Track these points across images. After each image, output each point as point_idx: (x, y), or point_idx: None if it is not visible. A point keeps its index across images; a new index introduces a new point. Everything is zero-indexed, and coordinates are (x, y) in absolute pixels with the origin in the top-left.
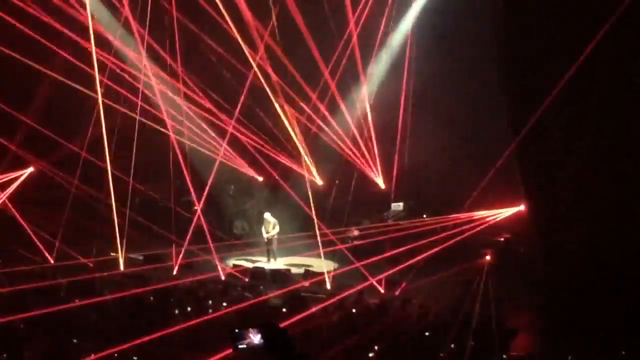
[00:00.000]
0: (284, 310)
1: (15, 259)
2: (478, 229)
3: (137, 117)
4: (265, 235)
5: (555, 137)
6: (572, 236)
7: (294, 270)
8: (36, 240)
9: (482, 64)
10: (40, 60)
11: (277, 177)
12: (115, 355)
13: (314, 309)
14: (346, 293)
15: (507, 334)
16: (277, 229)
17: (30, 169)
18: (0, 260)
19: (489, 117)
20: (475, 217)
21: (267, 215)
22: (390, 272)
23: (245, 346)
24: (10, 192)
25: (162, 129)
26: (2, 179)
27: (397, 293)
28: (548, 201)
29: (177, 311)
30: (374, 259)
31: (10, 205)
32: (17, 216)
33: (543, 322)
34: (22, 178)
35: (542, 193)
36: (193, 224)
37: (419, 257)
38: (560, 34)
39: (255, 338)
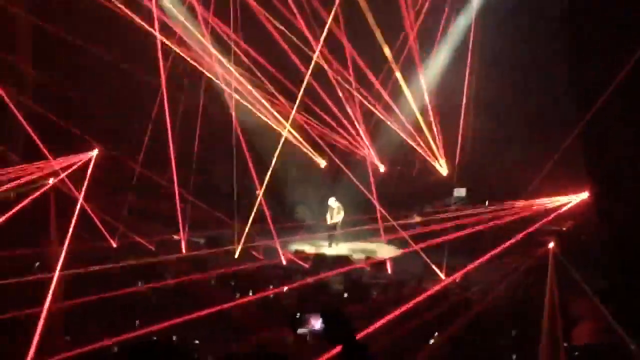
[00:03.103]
0: (345, 295)
1: (78, 242)
2: (546, 219)
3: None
4: (329, 221)
5: (621, 121)
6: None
7: (355, 256)
8: (99, 224)
9: (548, 47)
10: (106, 45)
11: (339, 162)
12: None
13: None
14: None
15: (570, 322)
16: (342, 214)
17: (96, 152)
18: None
19: (554, 101)
20: (538, 205)
21: (332, 201)
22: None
23: (306, 331)
24: (70, 172)
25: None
26: (68, 161)
27: (457, 280)
28: (613, 188)
29: (237, 295)
30: (434, 244)
31: (73, 187)
32: (80, 199)
33: (606, 309)
34: (86, 160)
35: (607, 180)
36: (255, 208)
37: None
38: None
39: (317, 324)
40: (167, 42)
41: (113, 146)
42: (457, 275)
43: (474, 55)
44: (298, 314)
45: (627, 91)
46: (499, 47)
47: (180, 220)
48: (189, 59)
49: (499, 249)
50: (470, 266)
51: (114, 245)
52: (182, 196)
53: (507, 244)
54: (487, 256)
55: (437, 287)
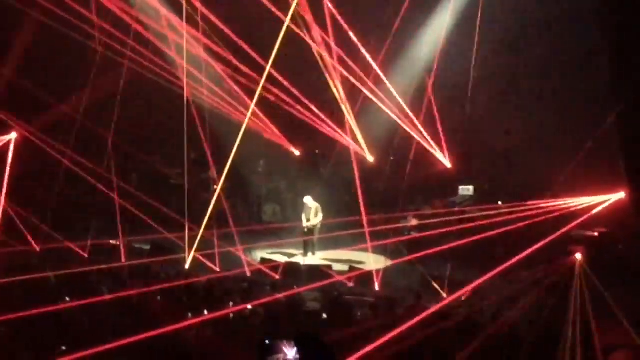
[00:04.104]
0: (323, 316)
1: None
2: (573, 223)
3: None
4: (305, 224)
5: None
6: None
7: (336, 267)
8: (19, 223)
9: (582, 16)
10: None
11: (317, 151)
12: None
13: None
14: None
15: (602, 352)
16: (321, 216)
17: (14, 135)
18: None
19: (584, 83)
20: (564, 206)
21: (308, 200)
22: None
23: None
24: None
25: (176, 89)
26: None
27: (463, 298)
28: None
29: (190, 315)
30: (433, 253)
31: None
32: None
33: None
34: (2, 145)
35: None
36: (212, 207)
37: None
38: None
39: (290, 352)
40: None
41: (37, 128)
42: (462, 292)
43: (484, 20)
44: (266, 340)
45: None
46: (518, 13)
47: (119, 221)
48: (132, 20)
49: (513, 261)
50: (478, 281)
51: (37, 249)
52: (123, 190)
53: (524, 254)
54: (500, 269)
55: (436, 308)
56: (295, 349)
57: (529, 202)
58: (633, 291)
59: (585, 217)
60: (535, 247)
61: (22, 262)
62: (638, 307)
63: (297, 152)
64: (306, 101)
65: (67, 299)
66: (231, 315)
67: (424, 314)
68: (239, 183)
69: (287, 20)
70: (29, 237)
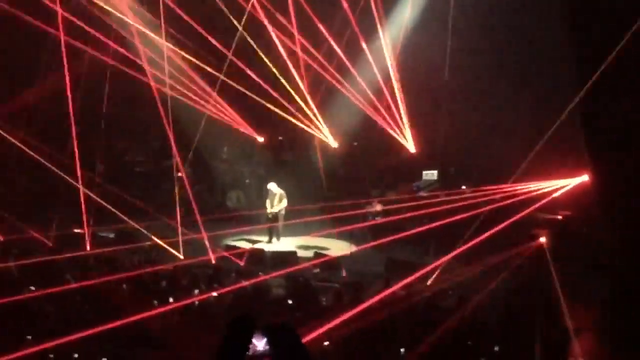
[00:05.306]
0: (289, 302)
1: None
2: (535, 205)
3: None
4: (269, 210)
5: (630, 92)
6: None
7: (301, 253)
8: None
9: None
10: None
11: (280, 137)
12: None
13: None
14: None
15: (566, 334)
16: (285, 202)
17: None
18: None
19: (548, 63)
20: (527, 190)
21: (272, 186)
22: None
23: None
24: None
25: (139, 76)
26: None
27: (428, 283)
28: (619, 170)
29: (155, 302)
30: (398, 239)
31: None
32: None
33: (610, 319)
34: None
35: (612, 160)
36: (177, 194)
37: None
38: None
39: (260, 344)
40: None
41: None
42: (423, 275)
43: (448, 7)
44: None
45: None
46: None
47: (83, 209)
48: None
49: (477, 241)
50: (442, 264)
51: (0, 239)
52: (87, 178)
53: (487, 234)
54: (461, 250)
55: (402, 292)
56: (264, 340)
57: (493, 187)
58: (597, 274)
59: (547, 200)
60: (497, 228)
61: None
62: (602, 289)
63: (260, 139)
64: (269, 88)
65: (32, 288)
66: (196, 303)
67: (389, 297)
68: (203, 170)
69: (248, 6)
70: None
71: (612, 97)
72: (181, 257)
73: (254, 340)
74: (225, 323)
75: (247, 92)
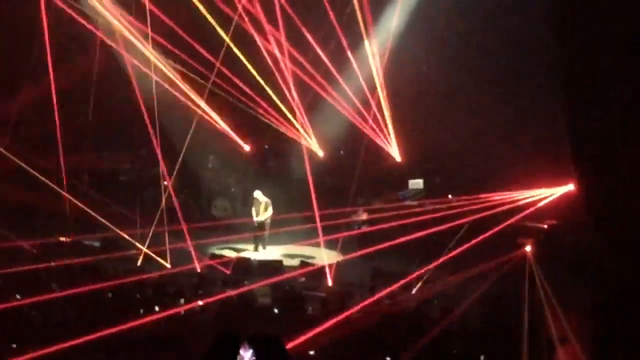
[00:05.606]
0: (275, 311)
1: None
2: (521, 214)
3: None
4: (255, 219)
5: (616, 102)
6: (635, 223)
7: (287, 262)
8: None
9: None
10: None
11: (267, 146)
12: None
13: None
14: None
15: (550, 343)
16: (270, 211)
17: None
18: None
19: (533, 73)
20: (512, 199)
21: (258, 194)
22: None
23: None
24: None
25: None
26: None
27: (413, 292)
28: (605, 180)
29: (142, 311)
30: (384, 248)
31: None
32: None
33: (595, 327)
34: None
35: (598, 170)
36: (163, 203)
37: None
38: None
39: (246, 355)
40: None
41: None
42: (413, 288)
43: (434, 17)
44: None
45: (627, 61)
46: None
47: (69, 218)
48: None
49: (462, 249)
50: (428, 272)
51: None
52: (72, 186)
53: (473, 243)
54: (450, 263)
55: (387, 302)
56: (250, 351)
57: (479, 196)
58: (582, 282)
59: (533, 209)
60: (483, 236)
61: None
62: (587, 297)
63: (247, 147)
64: (256, 97)
65: (18, 296)
66: (182, 312)
67: (375, 304)
68: (189, 178)
69: (236, 16)
70: None
71: (598, 105)
72: (168, 265)
73: (240, 352)
74: (211, 338)
75: (233, 101)
